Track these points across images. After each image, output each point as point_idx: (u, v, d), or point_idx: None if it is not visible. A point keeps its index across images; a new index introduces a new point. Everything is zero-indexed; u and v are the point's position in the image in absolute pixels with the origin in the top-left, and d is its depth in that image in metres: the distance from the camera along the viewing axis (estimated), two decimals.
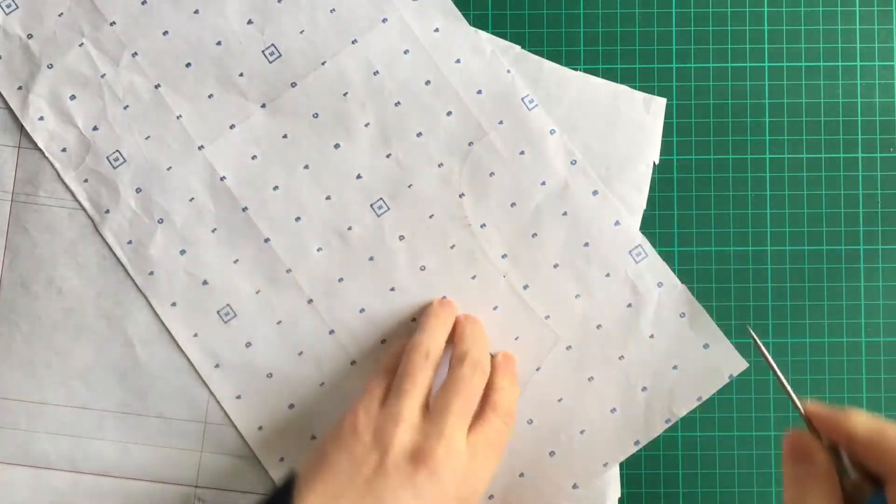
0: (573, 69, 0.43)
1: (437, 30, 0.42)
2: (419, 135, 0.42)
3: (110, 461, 0.42)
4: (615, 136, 0.42)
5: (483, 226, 0.42)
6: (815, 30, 0.43)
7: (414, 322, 0.42)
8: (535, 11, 0.43)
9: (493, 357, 0.40)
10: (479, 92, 0.42)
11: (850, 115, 0.43)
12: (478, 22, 0.43)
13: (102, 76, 0.42)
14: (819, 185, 0.43)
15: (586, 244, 0.42)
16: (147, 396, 0.42)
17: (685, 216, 0.43)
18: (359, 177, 0.42)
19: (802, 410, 0.33)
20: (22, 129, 0.42)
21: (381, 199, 0.42)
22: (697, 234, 0.43)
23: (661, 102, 0.42)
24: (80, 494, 0.42)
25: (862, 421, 0.31)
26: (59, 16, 0.42)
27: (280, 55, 0.42)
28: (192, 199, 0.42)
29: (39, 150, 0.42)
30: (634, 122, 0.42)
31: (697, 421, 0.43)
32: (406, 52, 0.42)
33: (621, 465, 0.42)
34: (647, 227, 0.43)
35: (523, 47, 0.43)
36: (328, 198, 0.42)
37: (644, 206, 0.42)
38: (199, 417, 0.42)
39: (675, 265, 0.43)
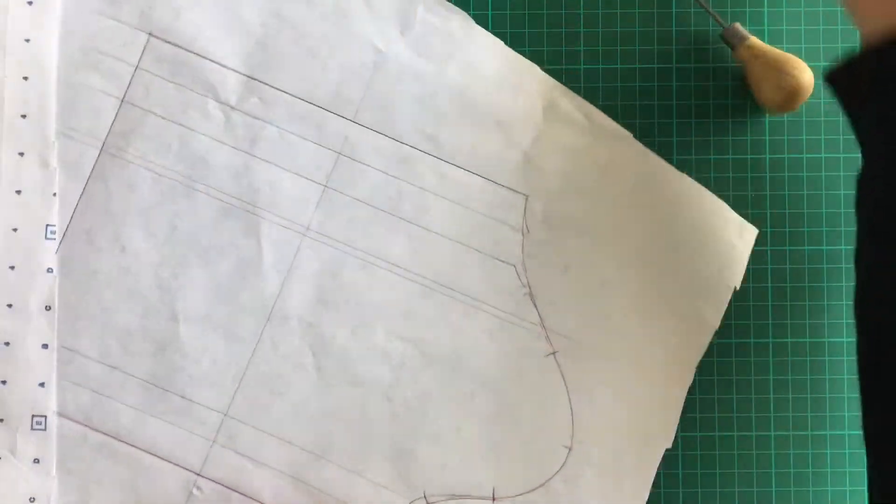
0: (574, 69, 0.43)
1: None
2: None
3: (124, 426, 0.42)
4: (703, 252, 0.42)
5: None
6: (815, 30, 0.43)
7: None
8: (535, 11, 0.43)
9: None
10: None
11: None
12: (478, 22, 0.43)
13: None
14: (819, 185, 0.43)
15: None
16: (177, 374, 0.42)
17: None
18: None
19: None
20: (130, 82, 0.42)
21: None
22: None
23: (753, 232, 0.42)
24: (87, 448, 0.42)
25: None
26: None
27: None
28: None
29: (141, 107, 0.42)
30: (723, 240, 0.42)
31: (697, 421, 0.43)
32: None
33: None
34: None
35: (523, 47, 0.43)
36: None
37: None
38: (221, 408, 0.42)
39: None
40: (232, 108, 0.43)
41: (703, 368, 0.42)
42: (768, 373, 0.43)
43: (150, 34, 0.43)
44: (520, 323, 0.42)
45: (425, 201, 0.42)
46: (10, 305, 0.42)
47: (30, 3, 0.42)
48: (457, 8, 0.43)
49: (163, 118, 0.43)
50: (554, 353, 0.42)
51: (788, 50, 0.42)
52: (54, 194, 0.42)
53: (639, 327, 0.42)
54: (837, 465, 0.43)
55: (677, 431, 0.42)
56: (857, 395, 0.42)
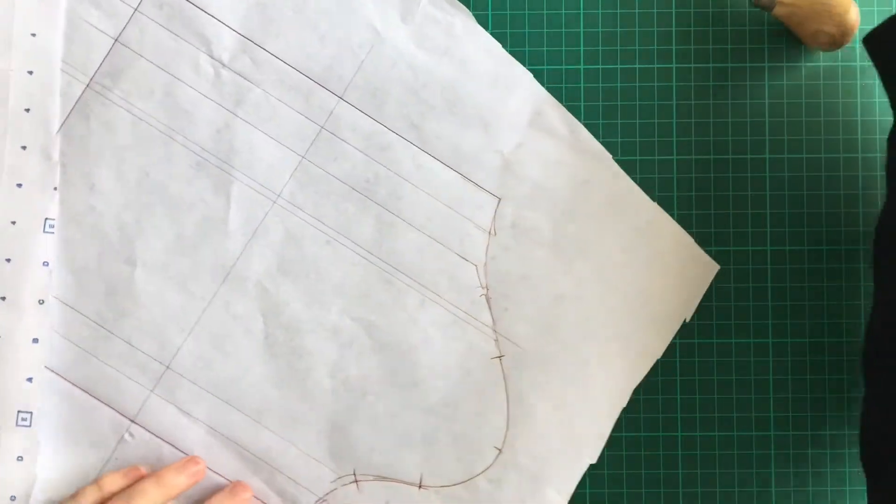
0: (574, 69, 0.43)
1: None
2: None
3: (66, 364, 0.42)
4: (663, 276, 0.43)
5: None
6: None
7: None
8: (535, 11, 0.43)
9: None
10: None
11: (851, 116, 0.43)
12: (478, 23, 0.43)
13: None
14: (819, 185, 0.43)
15: None
16: (125, 319, 0.42)
17: (685, 216, 0.43)
18: None
19: None
20: (127, 23, 0.42)
21: None
22: (697, 234, 0.43)
23: (713, 268, 0.43)
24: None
25: None
26: None
27: None
28: None
29: (133, 50, 0.42)
30: (683, 274, 0.43)
31: (697, 421, 0.43)
32: None
33: (620, 465, 0.43)
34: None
35: (523, 47, 0.43)
36: None
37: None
38: (164, 360, 0.42)
39: None
40: (223, 65, 0.42)
41: (703, 368, 0.43)
42: (768, 373, 0.43)
43: None
44: (472, 322, 0.43)
45: (400, 188, 0.43)
46: (3, 298, 0.41)
47: None
48: (461, 5, 0.43)
49: (153, 64, 0.42)
50: (500, 358, 0.42)
51: None
52: (55, 188, 0.42)
53: (585, 346, 0.42)
54: (837, 465, 0.43)
55: (677, 433, 0.43)
56: (857, 395, 0.42)
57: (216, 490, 0.42)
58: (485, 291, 0.43)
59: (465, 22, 0.43)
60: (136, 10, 0.42)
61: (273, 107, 0.43)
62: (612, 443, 0.43)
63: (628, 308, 0.42)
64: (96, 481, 0.40)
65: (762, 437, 0.43)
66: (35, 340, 0.41)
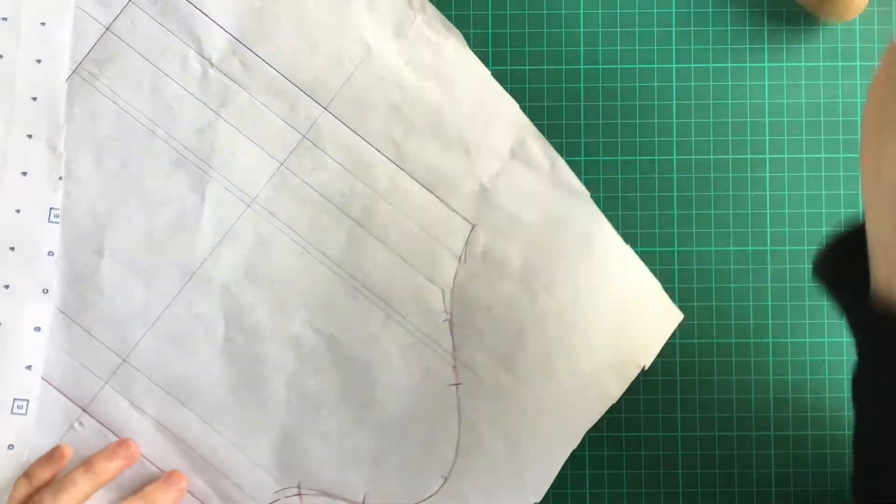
0: (574, 69, 0.43)
1: None
2: None
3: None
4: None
5: None
6: (814, 30, 0.43)
7: None
8: (536, 11, 0.43)
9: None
10: None
11: (850, 116, 0.43)
12: (478, 23, 0.43)
13: None
14: (819, 185, 0.43)
15: None
16: (88, 309, 0.42)
17: (685, 216, 0.43)
18: None
19: None
20: (120, 13, 0.42)
21: None
22: (697, 234, 0.43)
23: (678, 317, 0.42)
24: None
25: None
26: None
27: None
28: None
29: (123, 40, 0.42)
30: (647, 319, 0.42)
31: (697, 421, 0.43)
32: None
33: (620, 465, 0.43)
34: (647, 226, 0.43)
35: (523, 47, 0.43)
36: None
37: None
38: (122, 353, 0.42)
39: (675, 265, 0.43)
40: (212, 64, 0.43)
41: (703, 369, 0.43)
42: (768, 373, 0.43)
43: None
44: (433, 346, 0.42)
45: (375, 205, 0.43)
46: (7, 286, 0.41)
47: None
48: (455, 29, 0.43)
49: (141, 56, 0.43)
50: (457, 386, 0.42)
51: None
52: (60, 178, 0.42)
53: (543, 383, 0.42)
54: (837, 465, 0.43)
55: (677, 433, 0.43)
56: None
57: (152, 480, 0.42)
58: (448, 317, 0.42)
59: (457, 45, 0.43)
60: (130, 0, 0.42)
61: (257, 111, 0.43)
62: (613, 443, 0.43)
63: (589, 348, 0.42)
64: (25, 474, 0.40)
65: (762, 437, 0.43)
66: (37, 329, 0.42)
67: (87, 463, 0.40)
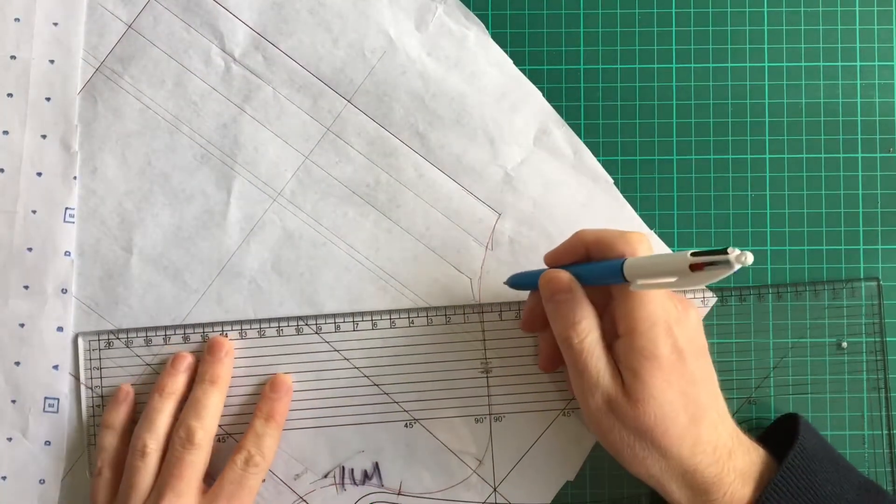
0: (574, 69, 0.43)
1: None
2: None
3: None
4: None
5: None
6: (814, 30, 0.43)
7: None
8: (535, 11, 0.43)
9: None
10: None
11: (850, 115, 0.43)
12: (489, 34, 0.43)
13: None
14: (819, 185, 0.44)
15: None
16: (118, 305, 0.42)
17: (685, 216, 0.43)
18: None
19: (546, 260, 0.38)
20: (142, 10, 0.42)
21: None
22: (697, 234, 0.43)
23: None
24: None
25: (588, 231, 0.36)
26: None
27: None
28: None
29: (146, 37, 0.42)
30: None
31: None
32: None
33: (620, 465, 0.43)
34: (647, 227, 0.43)
35: (523, 47, 0.43)
36: None
37: None
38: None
39: None
40: (234, 59, 0.43)
41: None
42: (769, 373, 0.43)
43: None
44: (462, 335, 0.43)
45: (400, 196, 0.43)
46: (26, 287, 0.41)
47: None
48: (476, 18, 0.43)
49: (164, 53, 0.43)
50: (488, 373, 0.43)
51: None
52: (74, 178, 0.42)
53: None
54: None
55: None
56: (858, 394, 0.42)
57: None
58: (478, 304, 0.43)
59: (479, 35, 0.43)
60: None
61: (281, 105, 0.43)
62: None
63: None
64: (105, 424, 0.41)
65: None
66: (60, 329, 0.42)
67: (208, 379, 0.41)
